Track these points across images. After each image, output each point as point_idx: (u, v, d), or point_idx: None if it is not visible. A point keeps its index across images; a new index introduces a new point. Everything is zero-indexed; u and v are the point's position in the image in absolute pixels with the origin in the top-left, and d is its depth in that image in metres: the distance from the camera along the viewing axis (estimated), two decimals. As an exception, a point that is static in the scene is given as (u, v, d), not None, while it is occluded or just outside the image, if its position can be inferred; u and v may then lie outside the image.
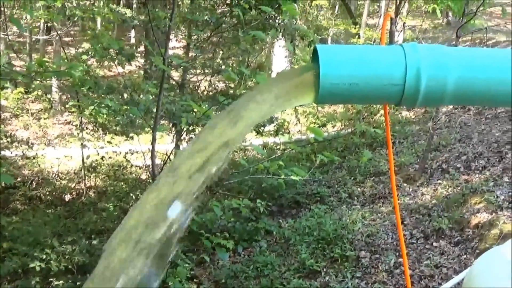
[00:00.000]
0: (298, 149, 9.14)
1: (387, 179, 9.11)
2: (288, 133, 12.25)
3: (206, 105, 6.27)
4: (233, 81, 6.53)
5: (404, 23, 17.26)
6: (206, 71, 8.58)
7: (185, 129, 6.63)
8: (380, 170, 9.57)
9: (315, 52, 0.85)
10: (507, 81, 0.84)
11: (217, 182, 6.98)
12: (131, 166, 10.66)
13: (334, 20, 18.45)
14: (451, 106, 10.95)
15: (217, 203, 5.94)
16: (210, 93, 9.52)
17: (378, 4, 22.28)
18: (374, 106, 11.21)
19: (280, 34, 8.26)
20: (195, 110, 6.06)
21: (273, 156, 7.35)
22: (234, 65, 8.82)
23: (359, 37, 16.66)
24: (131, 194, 8.98)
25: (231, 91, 8.76)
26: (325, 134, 11.63)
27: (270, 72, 14.68)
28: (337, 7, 19.33)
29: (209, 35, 7.88)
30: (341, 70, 0.82)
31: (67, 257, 6.84)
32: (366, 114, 12.74)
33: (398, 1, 12.32)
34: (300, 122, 13.59)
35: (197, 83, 9.74)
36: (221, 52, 9.29)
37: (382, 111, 12.00)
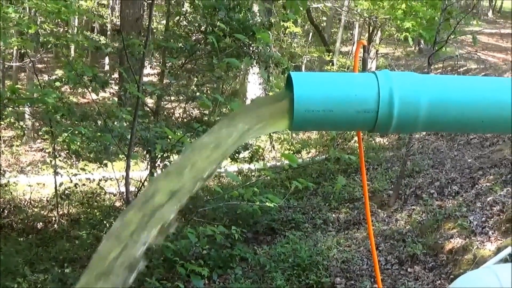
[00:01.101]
0: (273, 176, 9.13)
1: (361, 205, 9.16)
2: (263, 159, 12.24)
3: (181, 132, 6.35)
4: (207, 108, 6.54)
5: (377, 50, 17.55)
6: (181, 98, 8.56)
7: (159, 156, 6.55)
8: (354, 196, 9.59)
9: (289, 79, 0.86)
10: (479, 107, 0.86)
11: (191, 209, 6.86)
12: (105, 193, 10.53)
13: (308, 47, 18.65)
14: (424, 133, 11.08)
15: (192, 230, 5.89)
16: (185, 120, 9.49)
17: (351, 32, 22.62)
18: (348, 132, 11.31)
19: (255, 61, 8.28)
20: (170, 137, 6.02)
21: (248, 183, 7.28)
22: (208, 92, 8.83)
23: (332, 64, 16.71)
24: (105, 222, 8.84)
25: (206, 118, 8.69)
26: (300, 160, 11.67)
27: (244, 99, 14.74)
28: (310, 34, 19.57)
29: (183, 62, 7.90)
30: (315, 97, 0.82)
31: (39, 286, 6.74)
32: (340, 141, 12.81)
33: (371, 29, 12.46)
34: (275, 149, 13.62)
35: (172, 110, 9.70)
36: (195, 79, 9.30)
37: (356, 138, 12.15)
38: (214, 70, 7.74)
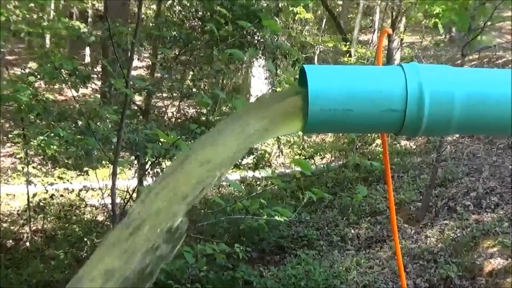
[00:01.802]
0: (282, 185, 9.08)
1: (385, 220, 9.15)
2: (270, 166, 12.26)
3: (175, 134, 6.08)
4: (205, 106, 6.45)
5: (402, 39, 17.51)
6: (174, 94, 8.52)
7: (149, 162, 6.59)
8: (377, 209, 9.57)
9: (302, 74, 0.87)
10: None
11: (188, 224, 6.64)
12: (86, 205, 10.52)
13: (321, 36, 18.52)
14: (457, 135, 11.03)
15: (188, 248, 5.86)
16: (179, 120, 9.42)
17: (371, 18, 22.55)
18: (370, 135, 11.34)
19: (260, 52, 8.28)
20: (162, 140, 5.99)
21: (253, 194, 7.12)
22: (206, 87, 8.85)
23: (350, 56, 16.90)
24: (86, 239, 8.81)
25: (204, 118, 8.71)
26: (313, 167, 11.47)
27: (248, 96, 14.73)
28: (324, 21, 19.49)
29: (177, 53, 7.87)
30: (333, 93, 0.84)
31: (9, 314, 6.23)
32: (360, 144, 12.77)
33: (394, 15, 12.43)
34: (284, 154, 13.59)
35: (164, 109, 9.72)
36: (191, 73, 9.25)
37: (379, 141, 12.59)
38: (213, 62, 7.64)
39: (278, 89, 13.69)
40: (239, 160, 8.43)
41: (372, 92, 0.84)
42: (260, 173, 10.37)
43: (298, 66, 8.74)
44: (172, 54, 7.95)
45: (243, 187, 7.14)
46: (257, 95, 14.27)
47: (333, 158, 13.20)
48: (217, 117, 7.57)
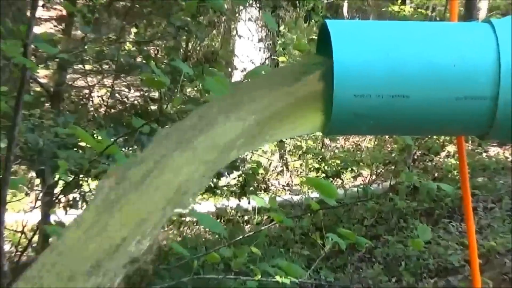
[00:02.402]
0: (288, 223, 7.66)
1: (463, 281, 7.66)
2: (267, 189, 10.58)
3: (106, 135, 4.92)
4: (158, 87, 5.24)
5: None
6: (105, 67, 7.48)
7: (62, 182, 5.57)
8: (448, 264, 8.08)
9: (323, 34, 0.75)
10: None
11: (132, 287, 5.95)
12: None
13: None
14: None
15: None
16: (113, 111, 8.12)
17: None
18: (437, 138, 10.02)
19: (251, -5, 7.84)
20: (84, 144, 5.24)
21: (239, 237, 5.86)
22: (160, 56, 7.82)
23: (403, 2, 14.76)
24: None
25: (154, 107, 7.60)
26: (340, 192, 9.67)
27: (231, 70, 12.62)
28: None
29: (109, -3, 7.62)
30: (375, 70, 0.70)
31: None
32: (420, 154, 10.89)
33: None
34: (290, 169, 11.68)
35: (87, 92, 8.44)
36: (134, 30, 8.04)
37: (451, 148, 10.93)
38: (172, 13, 6.46)
39: (280, 60, 12.04)
40: (216, 180, 7.07)
41: (441, 68, 0.68)
42: (250, 202, 9.14)
43: (316, 21, 7.54)
44: (102, -1, 7.66)
45: (222, 225, 5.57)
46: (245, 69, 11.61)
47: (373, 176, 11.27)
48: (178, 107, 6.11)
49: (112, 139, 4.53)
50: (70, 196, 5.88)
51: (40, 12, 13.17)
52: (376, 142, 12.15)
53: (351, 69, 0.67)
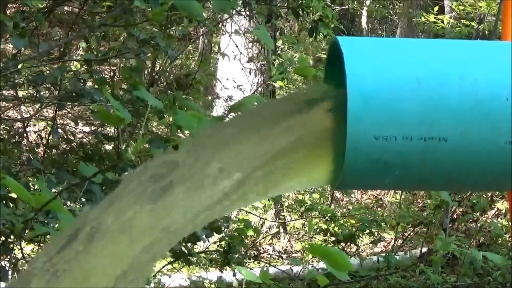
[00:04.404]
0: None
1: None
2: (258, 258, 9.33)
3: (45, 187, 4.12)
4: (115, 124, 3.87)
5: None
6: (43, 93, 6.48)
7: None
8: None
9: (334, 54, 0.73)
10: None
11: None
12: None
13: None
14: None
15: None
16: (55, 151, 7.17)
17: None
18: (482, 192, 9.05)
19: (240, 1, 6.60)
20: (15, 196, 4.28)
21: None
22: (119, 78, 7.08)
23: (440, 11, 13.59)
24: None
25: (110, 148, 6.71)
26: (354, 261, 8.38)
27: (210, 99, 11.30)
28: None
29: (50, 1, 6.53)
30: (402, 102, 0.68)
31: None
32: (459, 212, 10.01)
33: None
34: (288, 230, 10.62)
35: (22, 126, 7.65)
36: (83, 45, 7.39)
37: (501, 204, 10.30)
38: (134, 24, 5.63)
39: (278, 85, 10.69)
40: (190, 245, 5.97)
41: (489, 102, 0.66)
42: (235, 274, 7.68)
43: (325, 36, 6.85)
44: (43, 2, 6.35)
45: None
46: (230, 97, 9.89)
47: (399, 241, 10.22)
48: (144, 148, 4.97)
49: (54, 191, 4.19)
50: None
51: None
52: (403, 197, 10.66)
53: (371, 101, 0.62)
